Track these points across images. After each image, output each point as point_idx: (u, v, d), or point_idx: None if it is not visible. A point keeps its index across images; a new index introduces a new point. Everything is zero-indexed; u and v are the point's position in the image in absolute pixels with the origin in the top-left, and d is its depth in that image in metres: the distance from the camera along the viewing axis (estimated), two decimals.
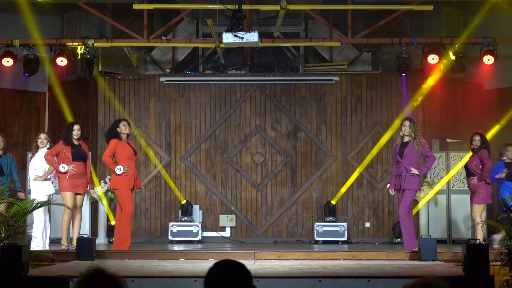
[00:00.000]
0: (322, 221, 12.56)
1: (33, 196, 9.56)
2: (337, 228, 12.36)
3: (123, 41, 13.09)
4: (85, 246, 8.59)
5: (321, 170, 13.10)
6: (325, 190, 13.05)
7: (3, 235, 7.79)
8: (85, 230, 11.44)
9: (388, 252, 9.19)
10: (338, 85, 13.26)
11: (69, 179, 9.63)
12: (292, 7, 11.54)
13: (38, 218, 9.63)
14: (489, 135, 11.40)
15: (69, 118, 12.39)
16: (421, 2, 12.37)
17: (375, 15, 13.24)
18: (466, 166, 10.33)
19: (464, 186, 11.65)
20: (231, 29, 9.20)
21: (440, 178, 12.51)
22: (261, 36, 10.06)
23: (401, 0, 12.50)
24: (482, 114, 13.39)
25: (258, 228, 13.04)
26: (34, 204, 8.55)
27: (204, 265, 7.19)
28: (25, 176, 11.47)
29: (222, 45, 10.80)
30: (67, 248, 9.56)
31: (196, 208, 12.81)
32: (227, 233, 13.01)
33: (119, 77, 13.29)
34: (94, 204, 12.58)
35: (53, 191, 9.98)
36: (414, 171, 9.39)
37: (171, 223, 12.41)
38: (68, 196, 9.63)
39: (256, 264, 7.98)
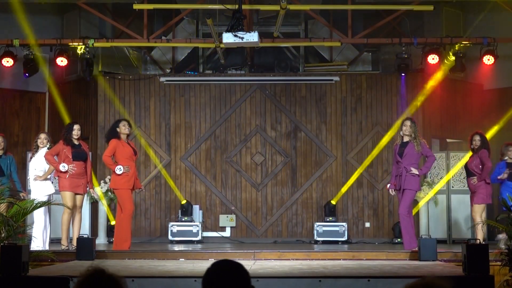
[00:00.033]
0: (322, 221, 12.56)
1: (33, 196, 9.56)
2: (337, 228, 12.36)
3: (123, 41, 13.09)
4: (85, 246, 8.58)
5: (321, 170, 13.10)
6: (325, 190, 13.05)
7: (3, 235, 7.79)
8: (85, 230, 11.44)
9: (388, 252, 9.18)
10: (338, 85, 13.26)
11: (69, 178, 9.62)
12: (292, 7, 11.54)
13: (38, 218, 9.63)
14: (489, 135, 11.39)
15: (69, 118, 12.39)
16: (421, 2, 12.36)
17: (375, 15, 13.24)
18: (466, 166, 10.33)
19: (464, 186, 11.65)
20: (231, 29, 9.20)
21: (440, 178, 12.51)
22: (261, 36, 10.05)
23: (401, 0, 12.50)
24: (482, 114, 13.38)
25: (258, 228, 13.04)
26: (34, 204, 8.55)
27: (204, 265, 7.12)
28: (25, 176, 11.46)
29: (222, 45, 10.79)
30: (67, 248, 9.55)
31: (196, 208, 12.81)
32: (227, 233, 13.00)
33: (119, 77, 13.29)
34: (94, 204, 12.58)
35: (53, 191, 9.98)
36: (414, 171, 9.38)
37: (171, 223, 12.41)
38: (68, 196, 9.63)
39: (256, 264, 7.98)
